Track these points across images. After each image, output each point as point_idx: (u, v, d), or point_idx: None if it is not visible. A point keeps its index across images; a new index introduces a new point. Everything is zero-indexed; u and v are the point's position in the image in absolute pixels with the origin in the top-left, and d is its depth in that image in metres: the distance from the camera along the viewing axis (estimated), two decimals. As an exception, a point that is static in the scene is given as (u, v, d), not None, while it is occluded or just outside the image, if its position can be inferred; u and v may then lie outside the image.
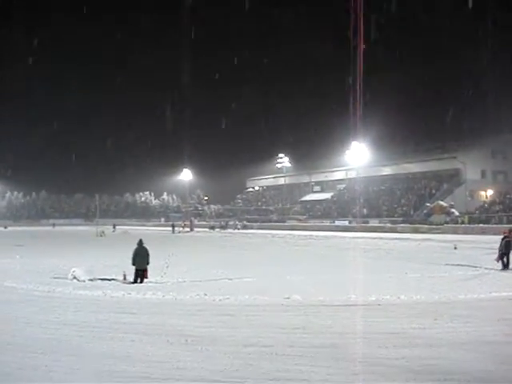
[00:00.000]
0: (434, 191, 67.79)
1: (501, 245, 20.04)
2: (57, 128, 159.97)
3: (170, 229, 68.80)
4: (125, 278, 17.78)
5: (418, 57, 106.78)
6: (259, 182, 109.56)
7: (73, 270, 18.47)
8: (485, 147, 69.15)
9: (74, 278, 17.77)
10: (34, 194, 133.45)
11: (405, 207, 68.09)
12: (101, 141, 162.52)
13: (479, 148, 69.03)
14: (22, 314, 11.03)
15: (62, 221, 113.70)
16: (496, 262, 19.88)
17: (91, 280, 17.65)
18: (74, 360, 7.56)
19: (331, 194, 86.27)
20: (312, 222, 73.13)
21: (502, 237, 20.37)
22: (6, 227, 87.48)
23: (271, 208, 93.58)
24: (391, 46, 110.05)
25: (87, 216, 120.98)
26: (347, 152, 77.43)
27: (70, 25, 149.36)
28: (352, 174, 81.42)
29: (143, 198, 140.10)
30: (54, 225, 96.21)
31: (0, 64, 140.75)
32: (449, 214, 58.32)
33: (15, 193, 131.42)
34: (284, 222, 79.50)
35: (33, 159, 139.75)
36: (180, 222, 79.34)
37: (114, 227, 72.44)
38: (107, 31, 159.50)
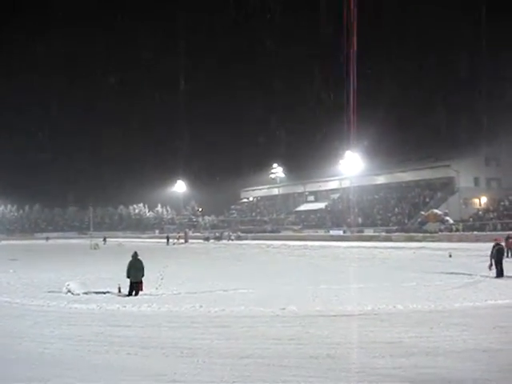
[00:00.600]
0: (427, 199, 67.88)
1: (492, 252, 20.09)
2: (50, 141, 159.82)
3: (165, 240, 68.63)
4: (120, 291, 17.71)
5: (411, 65, 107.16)
6: (253, 193, 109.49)
7: (67, 283, 18.40)
8: (478, 155, 69.29)
9: (69, 291, 17.69)
10: (27, 207, 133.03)
11: (399, 216, 68.18)
12: (94, 154, 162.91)
13: (472, 155, 69.17)
14: (17, 329, 10.99)
15: (55, 234, 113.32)
16: (489, 270, 19.90)
17: (86, 293, 17.57)
18: (69, 374, 7.52)
19: (325, 203, 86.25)
20: (306, 232, 73.09)
21: (493, 244, 20.43)
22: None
23: (265, 218, 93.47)
24: (384, 55, 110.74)
25: (81, 229, 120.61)
26: (341, 161, 77.54)
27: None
28: (346, 184, 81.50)
29: (137, 210, 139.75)
30: (47, 238, 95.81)
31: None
32: (443, 222, 58.41)
33: (8, 206, 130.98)
34: (278, 232, 79.42)
35: (26, 173, 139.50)
36: (175, 234, 79.20)
37: (105, 240, 71.60)
38: (96, 34, 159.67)
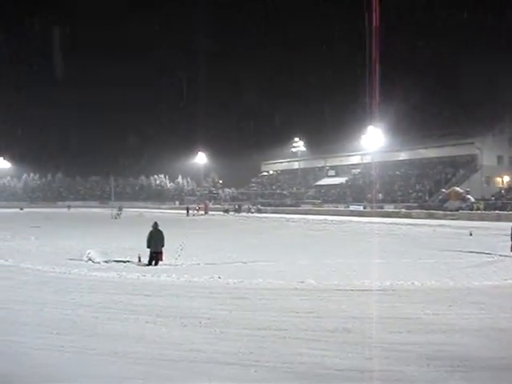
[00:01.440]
0: (449, 177, 67.25)
1: None
2: (73, 112, 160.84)
3: (185, 212, 68.87)
4: (140, 260, 17.90)
5: (436, 40, 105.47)
6: (274, 166, 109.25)
7: (88, 251, 18.63)
8: (502, 133, 68.42)
9: (90, 259, 17.92)
10: (49, 176, 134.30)
11: (420, 193, 67.69)
12: (116, 124, 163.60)
13: (496, 134, 68.27)
14: (38, 295, 11.14)
15: (77, 203, 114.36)
16: (510, 252, 19.69)
17: (106, 262, 17.79)
18: (88, 341, 7.63)
19: (346, 178, 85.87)
20: (326, 207, 72.88)
21: None
22: (21, 209, 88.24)
23: (285, 192, 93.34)
24: (408, 29, 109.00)
25: (102, 198, 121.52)
26: (363, 137, 76.99)
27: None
28: (367, 159, 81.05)
29: (158, 181, 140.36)
30: (69, 207, 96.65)
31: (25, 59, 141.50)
32: (464, 200, 57.84)
33: (31, 174, 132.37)
34: (298, 206, 79.27)
35: (49, 142, 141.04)
36: (195, 205, 79.51)
37: (120, 209, 67.28)
38: (120, 20, 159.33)
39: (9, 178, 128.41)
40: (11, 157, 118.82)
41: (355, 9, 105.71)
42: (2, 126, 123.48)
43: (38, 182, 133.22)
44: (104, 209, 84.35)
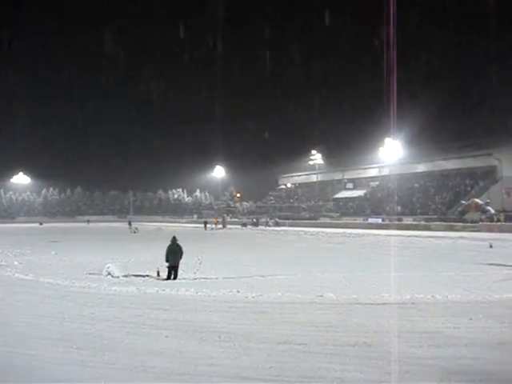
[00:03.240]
0: (469, 189, 66.76)
1: None
2: (92, 127, 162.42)
3: (203, 225, 69.01)
4: (158, 275, 17.96)
5: (454, 52, 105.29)
6: (291, 179, 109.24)
7: (107, 266, 18.74)
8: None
9: (109, 274, 18.02)
10: (68, 190, 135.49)
11: (439, 205, 67.26)
12: (135, 139, 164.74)
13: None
14: (58, 310, 11.21)
15: (96, 217, 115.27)
16: None
17: (125, 276, 17.87)
18: (108, 355, 7.66)
19: (364, 191, 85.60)
20: (344, 220, 72.63)
21: None
22: (41, 223, 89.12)
23: (303, 205, 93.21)
24: (427, 40, 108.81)
25: (121, 212, 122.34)
26: (380, 149, 76.90)
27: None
28: (385, 171, 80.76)
29: (176, 195, 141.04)
30: (88, 221, 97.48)
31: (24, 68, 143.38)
32: (484, 211, 57.32)
33: (51, 189, 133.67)
34: (316, 219, 79.06)
35: (68, 157, 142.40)
36: (212, 219, 79.68)
37: (130, 224, 68.50)
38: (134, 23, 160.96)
39: (28, 193, 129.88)
40: (31, 172, 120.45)
41: (373, 19, 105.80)
42: (22, 141, 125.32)
43: (58, 197, 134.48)
44: (122, 223, 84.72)
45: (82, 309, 11.31)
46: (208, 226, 68.71)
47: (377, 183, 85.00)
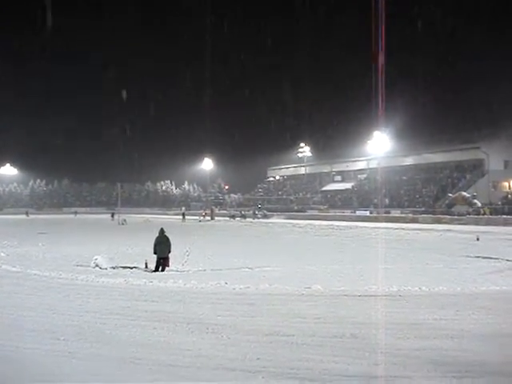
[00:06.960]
0: (456, 182, 67.08)
1: None
2: (79, 117, 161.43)
3: (194, 217, 69.08)
4: (146, 266, 17.94)
5: (442, 46, 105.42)
6: (280, 172, 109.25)
7: (95, 257, 18.67)
8: (509, 137, 68.08)
9: (97, 265, 17.96)
10: (56, 182, 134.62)
11: (426, 198, 67.58)
12: (122, 130, 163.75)
13: (503, 138, 67.81)
14: (46, 301, 11.15)
15: (83, 209, 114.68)
16: None
17: (113, 268, 17.84)
18: (95, 347, 7.64)
19: (352, 183, 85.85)
20: (332, 212, 72.80)
21: None
22: (28, 215, 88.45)
23: (292, 197, 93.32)
24: (414, 33, 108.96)
25: (108, 204, 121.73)
26: (369, 142, 77.04)
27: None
28: (373, 164, 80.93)
29: (164, 187, 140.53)
30: (75, 213, 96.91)
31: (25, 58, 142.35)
32: (471, 204, 57.67)
33: (38, 181, 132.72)
34: (304, 211, 79.22)
35: (55, 148, 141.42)
36: (201, 211, 79.62)
37: (113, 216, 69.03)
38: (131, 17, 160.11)
39: (15, 184, 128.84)
40: (18, 163, 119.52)
41: (359, 12, 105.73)
42: (9, 132, 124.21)
43: (45, 189, 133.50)
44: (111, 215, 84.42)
45: (70, 300, 11.27)
46: (187, 217, 68.79)
47: (365, 176, 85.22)
